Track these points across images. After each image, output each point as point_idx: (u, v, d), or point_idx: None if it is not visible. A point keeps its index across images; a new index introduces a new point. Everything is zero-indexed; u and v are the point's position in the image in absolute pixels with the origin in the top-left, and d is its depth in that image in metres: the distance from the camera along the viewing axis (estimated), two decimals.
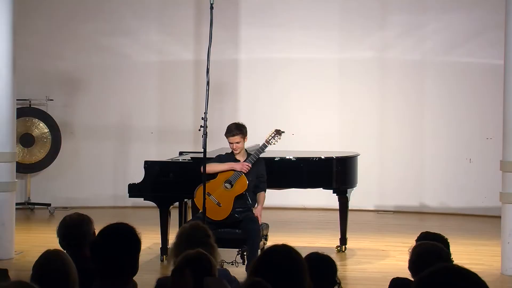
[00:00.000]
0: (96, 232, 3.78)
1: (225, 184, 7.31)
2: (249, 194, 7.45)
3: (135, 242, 3.49)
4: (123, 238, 3.47)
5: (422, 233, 4.60)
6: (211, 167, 7.34)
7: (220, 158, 7.52)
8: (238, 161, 7.46)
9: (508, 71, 7.68)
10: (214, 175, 7.35)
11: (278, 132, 7.47)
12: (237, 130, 7.38)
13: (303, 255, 3.47)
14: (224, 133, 7.42)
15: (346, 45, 11.87)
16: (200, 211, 7.01)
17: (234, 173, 7.34)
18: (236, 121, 7.58)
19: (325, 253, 3.72)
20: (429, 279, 2.34)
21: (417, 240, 4.48)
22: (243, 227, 7.33)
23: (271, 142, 7.44)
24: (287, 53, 11.95)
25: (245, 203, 7.44)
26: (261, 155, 7.53)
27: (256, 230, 7.29)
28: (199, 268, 3.39)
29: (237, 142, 7.38)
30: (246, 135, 7.44)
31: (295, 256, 3.37)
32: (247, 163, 7.34)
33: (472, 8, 11.47)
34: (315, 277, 3.46)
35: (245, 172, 7.34)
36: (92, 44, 12.05)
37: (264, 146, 7.43)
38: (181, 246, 4.15)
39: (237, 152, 7.44)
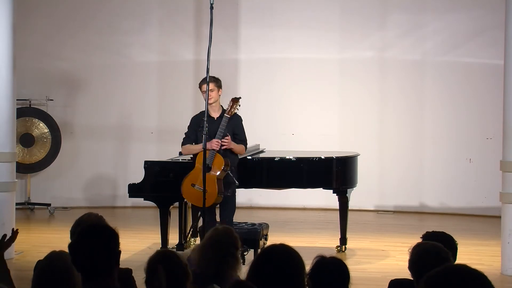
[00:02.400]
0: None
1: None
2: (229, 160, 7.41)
3: (113, 236, 3.53)
4: (102, 236, 3.50)
5: (428, 232, 4.53)
6: (186, 150, 7.52)
7: (193, 121, 7.44)
8: (213, 118, 7.40)
9: (508, 71, 7.67)
10: (193, 164, 7.36)
11: (234, 100, 7.34)
12: (211, 77, 7.23)
13: (304, 255, 3.47)
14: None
15: (346, 45, 11.86)
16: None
17: (209, 154, 7.20)
18: None
19: (338, 258, 3.65)
20: (436, 278, 2.33)
21: (422, 238, 4.44)
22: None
23: (233, 111, 7.31)
24: (287, 53, 11.95)
25: (230, 180, 7.37)
26: (262, 155, 7.50)
27: (230, 210, 7.38)
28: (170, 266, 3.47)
29: (211, 90, 7.30)
30: (220, 87, 7.47)
31: (293, 255, 3.38)
32: (216, 140, 7.23)
33: (472, 8, 11.47)
34: (326, 283, 3.43)
35: (217, 149, 7.22)
36: (92, 44, 12.05)
37: (226, 118, 7.29)
38: (208, 249, 4.14)
39: (211, 102, 7.34)
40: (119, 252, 3.50)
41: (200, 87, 7.48)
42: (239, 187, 7.68)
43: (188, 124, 7.64)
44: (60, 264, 3.40)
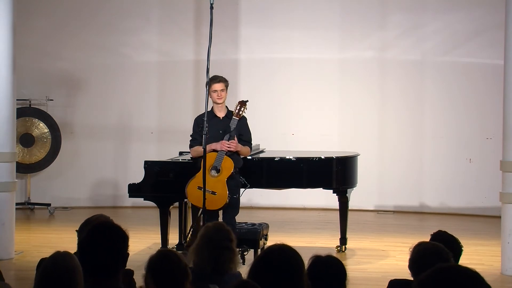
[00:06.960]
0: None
1: (212, 172, 7.22)
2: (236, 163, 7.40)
3: (124, 238, 3.52)
4: (113, 236, 3.49)
5: (439, 231, 4.52)
6: (196, 153, 7.45)
7: (198, 122, 7.45)
8: (218, 118, 7.42)
9: (508, 71, 7.67)
10: (199, 166, 7.24)
11: (242, 103, 7.40)
12: (222, 77, 7.42)
13: (304, 255, 3.47)
14: (207, 82, 7.21)
15: (346, 45, 11.86)
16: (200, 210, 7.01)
17: (217, 155, 7.23)
18: None
19: (335, 256, 3.68)
20: (429, 279, 2.33)
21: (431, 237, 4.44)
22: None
23: (240, 114, 7.37)
24: (287, 53, 11.95)
25: (238, 181, 7.40)
26: (262, 155, 7.49)
27: (232, 221, 7.31)
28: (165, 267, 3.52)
29: (222, 90, 7.40)
30: (227, 87, 7.50)
31: (293, 255, 3.38)
32: (226, 142, 7.23)
33: (472, 8, 11.47)
34: (322, 281, 3.44)
35: (226, 150, 7.24)
36: (92, 44, 12.05)
37: (234, 120, 7.33)
38: (203, 248, 4.16)
39: (221, 102, 7.41)
40: (128, 254, 3.51)
41: (210, 85, 7.38)
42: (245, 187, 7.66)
43: (192, 126, 7.62)
44: (64, 264, 3.39)
